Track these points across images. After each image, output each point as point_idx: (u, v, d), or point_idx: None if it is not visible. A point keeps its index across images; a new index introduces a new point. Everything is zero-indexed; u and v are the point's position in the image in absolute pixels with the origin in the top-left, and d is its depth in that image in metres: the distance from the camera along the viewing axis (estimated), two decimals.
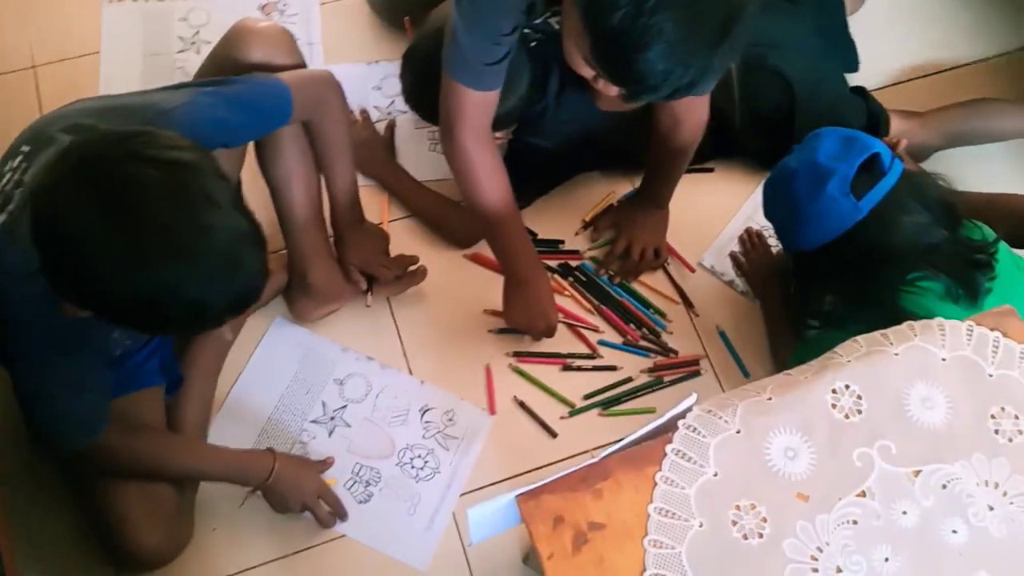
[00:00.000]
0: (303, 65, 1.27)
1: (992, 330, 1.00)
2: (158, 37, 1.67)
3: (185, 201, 0.84)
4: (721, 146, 1.57)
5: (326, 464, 1.30)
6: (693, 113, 1.34)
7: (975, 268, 1.18)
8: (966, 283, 1.17)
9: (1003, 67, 1.75)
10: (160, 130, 0.91)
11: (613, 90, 1.04)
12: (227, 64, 1.22)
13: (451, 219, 1.52)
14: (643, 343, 1.49)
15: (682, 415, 0.96)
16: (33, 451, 1.29)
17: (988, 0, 1.81)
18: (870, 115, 1.55)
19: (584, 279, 1.52)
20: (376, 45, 1.68)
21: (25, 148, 1.01)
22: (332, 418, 1.38)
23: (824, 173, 1.17)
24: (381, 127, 1.61)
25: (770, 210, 1.31)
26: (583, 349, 1.48)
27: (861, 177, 1.16)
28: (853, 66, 1.63)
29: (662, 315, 1.51)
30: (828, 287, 1.25)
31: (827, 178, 1.16)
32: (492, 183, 1.27)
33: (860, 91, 1.59)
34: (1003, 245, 1.22)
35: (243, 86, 1.13)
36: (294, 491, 1.24)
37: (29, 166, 0.99)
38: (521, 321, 1.37)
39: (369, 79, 1.66)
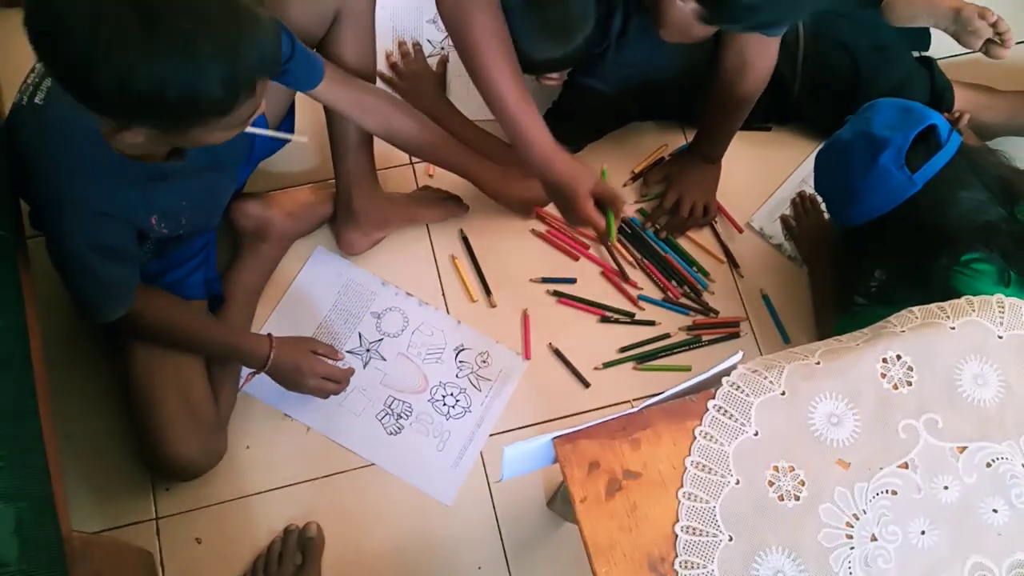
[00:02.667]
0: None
1: None
2: None
3: None
4: (778, 111, 1.53)
5: (325, 346, 1.29)
6: (763, 57, 1.31)
7: None
8: (1020, 265, 1.13)
9: None
10: None
11: (690, 5, 1.00)
12: None
13: (500, 159, 1.49)
14: (684, 301, 1.47)
15: (727, 372, 0.94)
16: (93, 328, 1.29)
17: None
18: (934, 89, 1.50)
19: (629, 231, 1.50)
20: None
21: None
22: (368, 350, 1.39)
23: (878, 144, 1.13)
24: (434, 62, 1.58)
25: (822, 182, 1.28)
26: (623, 302, 1.46)
27: (916, 149, 1.12)
28: (924, 45, 1.56)
29: (705, 274, 1.49)
30: (878, 263, 1.22)
31: (881, 149, 1.13)
32: (497, 45, 1.13)
33: (927, 63, 1.53)
34: None
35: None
36: (294, 375, 1.25)
37: None
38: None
39: (424, 11, 1.62)
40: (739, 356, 0.94)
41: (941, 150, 1.12)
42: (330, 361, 1.29)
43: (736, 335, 1.45)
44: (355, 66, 1.25)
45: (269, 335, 1.25)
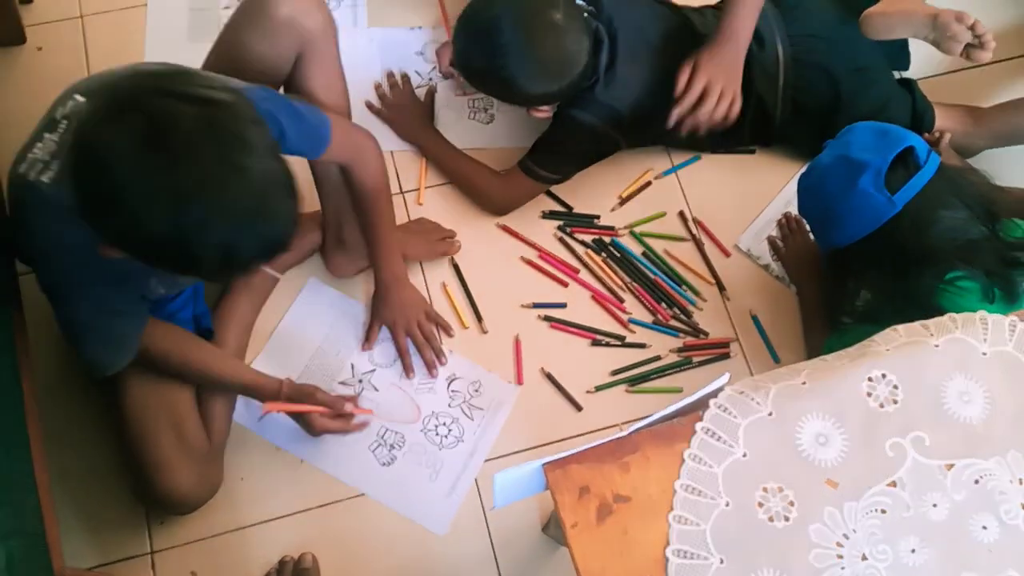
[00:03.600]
0: (333, 24, 1.25)
1: None
2: None
3: (218, 140, 0.84)
4: (762, 135, 1.55)
5: (330, 397, 1.26)
6: None
7: (1013, 267, 1.15)
8: (1003, 282, 1.15)
9: None
10: (197, 70, 0.91)
11: None
12: (255, 18, 1.18)
13: (493, 185, 1.51)
14: (673, 323, 1.48)
15: (714, 394, 0.95)
16: (90, 380, 1.29)
17: None
18: (915, 110, 1.52)
19: (617, 255, 1.51)
20: (419, 11, 1.67)
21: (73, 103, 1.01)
22: (360, 381, 1.39)
23: (857, 167, 1.15)
24: (422, 92, 1.60)
25: (804, 206, 1.29)
26: (614, 325, 1.47)
27: (895, 171, 1.14)
28: (904, 65, 1.59)
29: (696, 293, 1.50)
30: (864, 283, 1.23)
31: (860, 172, 1.14)
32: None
33: (908, 84, 1.55)
34: None
35: (291, 99, 1.15)
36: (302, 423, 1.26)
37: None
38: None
39: (411, 44, 1.65)
40: (726, 378, 0.95)
41: (920, 171, 1.14)
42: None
43: (726, 356, 1.46)
44: (327, 101, 1.26)
45: (287, 380, 1.25)
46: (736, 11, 1.39)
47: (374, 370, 1.40)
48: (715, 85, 1.39)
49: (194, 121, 0.84)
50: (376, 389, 1.39)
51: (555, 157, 1.48)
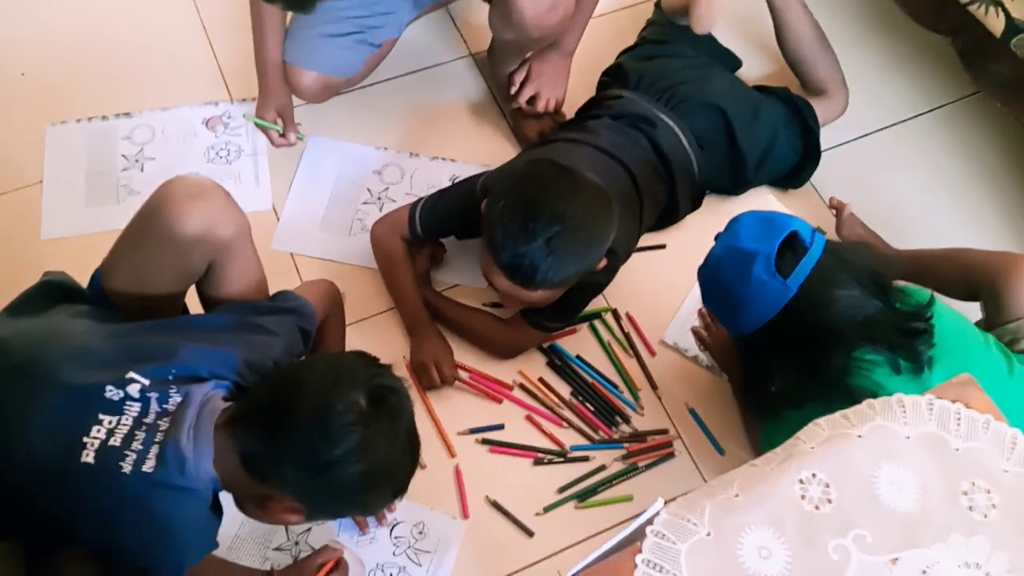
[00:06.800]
0: (246, 222, 1.17)
1: (953, 402, 0.98)
2: (102, 156, 1.66)
3: (409, 426, 1.09)
4: (664, 218, 1.60)
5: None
6: None
7: (913, 336, 1.17)
8: (906, 353, 1.16)
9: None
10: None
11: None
12: (161, 237, 1.10)
13: (494, 336, 1.50)
14: (616, 437, 1.45)
15: (650, 521, 0.92)
16: None
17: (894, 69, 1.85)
18: (790, 106, 1.62)
19: (559, 363, 1.50)
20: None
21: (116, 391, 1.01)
22: (296, 543, 1.33)
23: (747, 256, 1.17)
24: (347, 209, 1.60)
25: (707, 298, 1.32)
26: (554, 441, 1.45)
27: (784, 256, 1.17)
28: (738, 64, 1.73)
29: (636, 397, 1.49)
30: (774, 369, 1.24)
31: (751, 261, 1.17)
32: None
33: (763, 89, 1.66)
34: (938, 305, 1.22)
35: (283, 329, 1.16)
36: None
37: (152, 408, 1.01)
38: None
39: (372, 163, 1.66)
40: (659, 504, 0.93)
41: (807, 253, 1.17)
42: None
43: (671, 455, 1.44)
44: (243, 296, 1.21)
45: (271, 570, 1.25)
46: (573, 27, 1.57)
47: (310, 528, 1.34)
48: (543, 95, 1.62)
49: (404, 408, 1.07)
50: (313, 549, 1.32)
51: (571, 312, 1.48)
